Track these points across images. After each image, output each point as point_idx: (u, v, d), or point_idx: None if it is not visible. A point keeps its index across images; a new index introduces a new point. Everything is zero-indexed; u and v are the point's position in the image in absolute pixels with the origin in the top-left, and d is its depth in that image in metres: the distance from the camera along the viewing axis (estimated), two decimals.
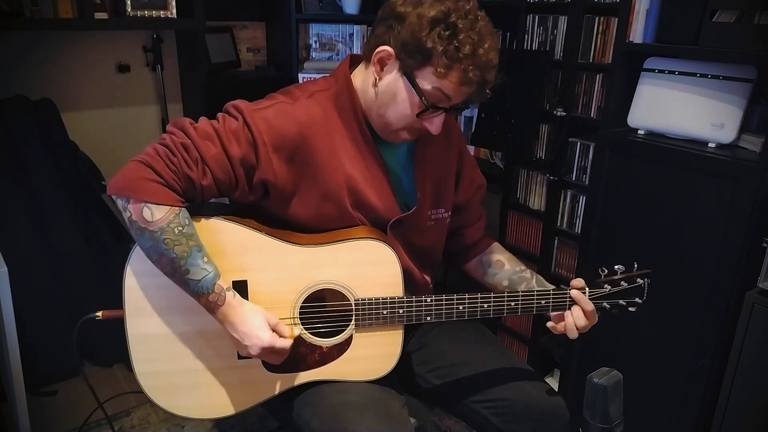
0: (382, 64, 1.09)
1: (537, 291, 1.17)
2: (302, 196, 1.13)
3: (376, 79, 1.11)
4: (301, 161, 1.10)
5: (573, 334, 1.14)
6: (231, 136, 1.05)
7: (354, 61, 1.19)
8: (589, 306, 1.14)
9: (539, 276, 1.30)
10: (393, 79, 1.09)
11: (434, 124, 1.11)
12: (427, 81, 1.06)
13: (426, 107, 1.08)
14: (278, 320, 1.09)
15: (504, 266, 1.35)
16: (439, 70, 1.03)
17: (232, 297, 1.07)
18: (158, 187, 1.01)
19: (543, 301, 1.16)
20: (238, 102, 1.10)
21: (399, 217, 1.20)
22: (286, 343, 1.07)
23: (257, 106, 1.09)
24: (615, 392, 0.90)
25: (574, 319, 1.14)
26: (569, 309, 1.15)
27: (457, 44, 1.01)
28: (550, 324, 1.19)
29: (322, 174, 1.12)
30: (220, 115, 1.10)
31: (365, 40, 2.75)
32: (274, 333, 1.07)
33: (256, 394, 1.17)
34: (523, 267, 1.34)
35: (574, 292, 1.15)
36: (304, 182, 1.12)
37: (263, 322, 1.06)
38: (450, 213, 1.29)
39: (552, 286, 1.25)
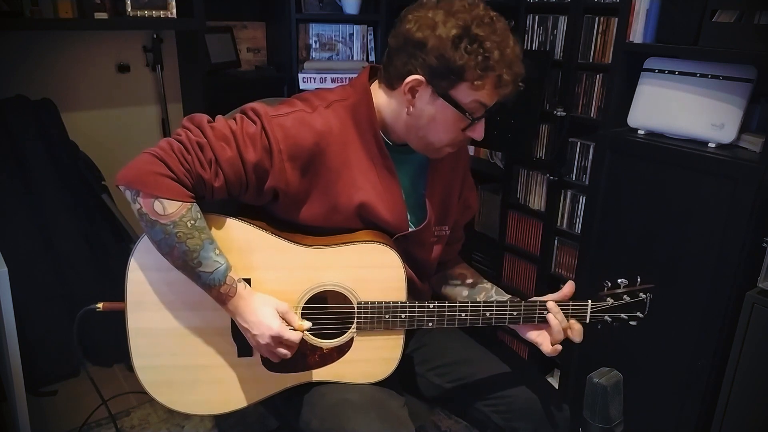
0: (413, 92, 1.08)
1: (540, 301, 1.17)
2: (312, 204, 1.12)
3: (409, 108, 1.10)
4: (314, 171, 1.10)
5: (559, 336, 1.15)
6: (247, 140, 1.05)
7: (373, 73, 1.18)
8: (564, 323, 1.15)
9: (498, 288, 1.31)
10: (428, 103, 1.08)
11: (477, 131, 1.11)
12: (464, 96, 1.06)
13: (471, 121, 1.08)
14: (288, 308, 1.09)
15: (466, 279, 1.35)
16: (475, 83, 1.03)
17: (243, 288, 1.07)
18: (170, 182, 1.01)
19: (545, 312, 1.16)
20: (257, 105, 1.09)
21: (406, 232, 1.20)
22: (296, 335, 1.07)
23: (276, 112, 1.08)
24: (615, 392, 0.90)
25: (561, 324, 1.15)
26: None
27: (486, 54, 1.01)
28: (532, 335, 1.18)
29: (334, 186, 1.11)
30: (237, 116, 1.09)
31: (365, 41, 2.75)
32: (284, 325, 1.07)
33: (256, 392, 1.17)
34: (484, 280, 1.35)
35: (552, 305, 1.16)
36: (315, 192, 1.12)
37: (273, 311, 1.07)
38: (450, 231, 1.29)
39: (509, 296, 1.27)
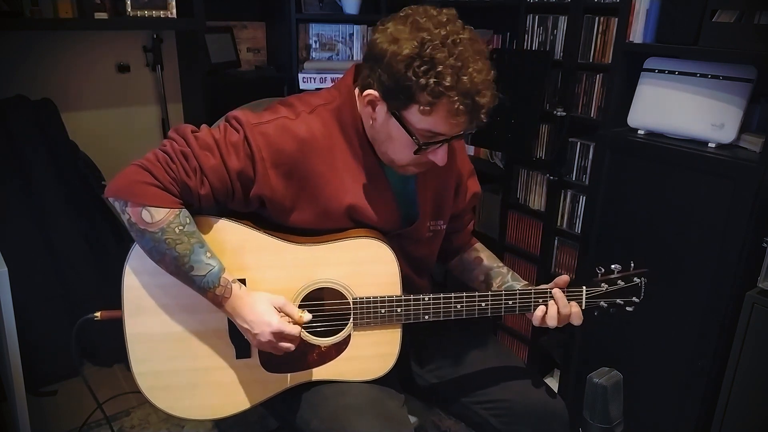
0: (372, 105, 1.07)
1: (534, 290, 1.17)
2: (301, 210, 1.13)
3: (370, 121, 1.09)
4: (300, 177, 1.10)
5: (553, 322, 1.15)
6: (231, 148, 1.05)
7: (359, 71, 1.16)
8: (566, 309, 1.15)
9: (514, 272, 1.31)
10: (384, 120, 1.06)
11: (438, 156, 1.08)
12: (415, 120, 1.02)
13: (419, 147, 1.05)
14: (285, 301, 1.09)
15: (482, 262, 1.35)
16: (423, 108, 0.99)
17: (239, 288, 1.07)
18: (156, 190, 1.02)
19: (540, 300, 1.17)
20: (240, 113, 1.10)
21: (399, 231, 1.20)
22: (296, 329, 1.07)
23: (258, 120, 1.08)
24: (615, 392, 0.90)
25: (559, 309, 1.15)
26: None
27: (437, 78, 0.96)
28: (527, 315, 1.19)
29: (322, 191, 1.11)
30: (222, 124, 1.10)
31: (365, 41, 2.75)
32: (283, 319, 1.07)
33: (255, 394, 1.17)
34: (500, 263, 1.34)
35: (557, 292, 1.16)
36: (302, 198, 1.12)
37: (270, 307, 1.07)
38: (447, 223, 1.29)
39: (525, 282, 1.27)
